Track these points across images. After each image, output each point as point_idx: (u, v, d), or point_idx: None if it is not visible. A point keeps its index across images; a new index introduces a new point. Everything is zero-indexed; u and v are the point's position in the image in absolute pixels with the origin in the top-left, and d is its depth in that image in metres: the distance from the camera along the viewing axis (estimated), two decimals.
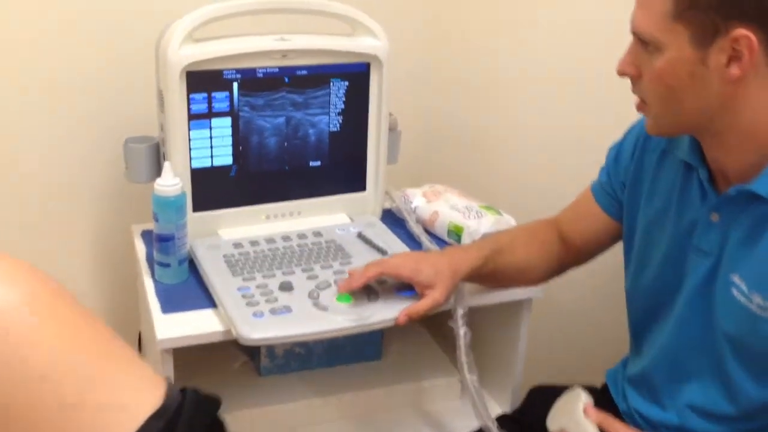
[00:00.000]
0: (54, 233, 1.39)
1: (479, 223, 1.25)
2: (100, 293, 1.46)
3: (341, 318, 1.02)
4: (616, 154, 1.10)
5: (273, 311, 1.02)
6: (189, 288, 1.12)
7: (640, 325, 1.07)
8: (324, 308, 1.03)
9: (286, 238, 1.21)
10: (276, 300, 1.04)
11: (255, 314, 1.00)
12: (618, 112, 1.09)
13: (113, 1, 1.30)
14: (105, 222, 1.41)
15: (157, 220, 1.10)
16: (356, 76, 1.22)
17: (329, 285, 1.09)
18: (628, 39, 0.89)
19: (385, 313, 1.04)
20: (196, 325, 1.03)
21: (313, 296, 1.06)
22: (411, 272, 1.03)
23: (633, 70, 0.89)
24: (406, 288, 1.07)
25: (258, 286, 1.07)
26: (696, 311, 0.95)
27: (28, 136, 1.32)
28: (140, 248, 1.24)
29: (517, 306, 1.21)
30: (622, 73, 0.90)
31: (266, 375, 1.28)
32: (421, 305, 1.02)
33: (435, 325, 1.39)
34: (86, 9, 1.28)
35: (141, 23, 1.27)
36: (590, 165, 1.15)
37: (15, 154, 1.32)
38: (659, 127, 0.92)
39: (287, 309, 1.02)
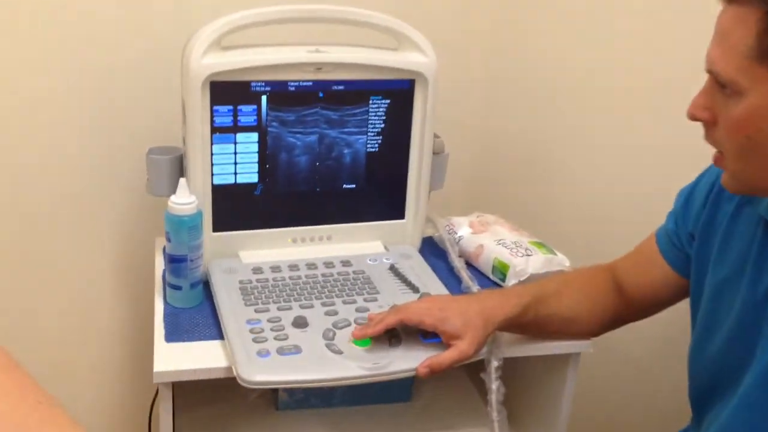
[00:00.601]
0: (77, 242, 1.36)
1: (527, 262, 1.15)
2: (121, 307, 1.42)
3: (355, 365, 0.93)
4: (686, 199, 0.96)
5: (281, 351, 0.93)
6: (200, 314, 1.05)
7: (702, 398, 0.94)
8: (338, 351, 0.95)
9: (311, 265, 1.13)
10: (286, 338, 0.96)
11: (260, 353, 0.92)
12: (699, 148, 0.94)
13: (145, 4, 1.25)
14: (130, 234, 1.37)
15: (169, 240, 1.03)
16: (399, 93, 1.14)
17: (348, 324, 1.00)
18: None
19: (405, 362, 0.94)
20: (198, 358, 0.96)
21: (328, 336, 0.97)
22: (436, 321, 0.93)
23: (707, 115, 0.76)
24: (431, 334, 0.97)
25: (270, 320, 0.99)
26: (766, 394, 0.80)
27: (51, 144, 1.29)
28: (159, 264, 1.18)
29: (562, 360, 1.09)
30: (693, 118, 0.78)
31: (284, 410, 1.19)
32: (446, 358, 0.92)
33: (473, 366, 1.27)
34: (116, 12, 1.24)
35: (172, 27, 1.22)
36: (662, 208, 1.03)
37: (36, 160, 1.29)
38: (737, 184, 0.79)
39: (297, 349, 0.94)
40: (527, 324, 0.98)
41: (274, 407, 1.20)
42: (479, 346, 0.93)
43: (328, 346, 0.95)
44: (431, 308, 0.94)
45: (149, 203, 1.18)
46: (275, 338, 0.95)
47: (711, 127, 0.77)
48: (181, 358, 0.95)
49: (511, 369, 1.00)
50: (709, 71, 0.75)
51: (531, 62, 1.44)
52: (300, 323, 0.98)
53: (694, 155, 0.96)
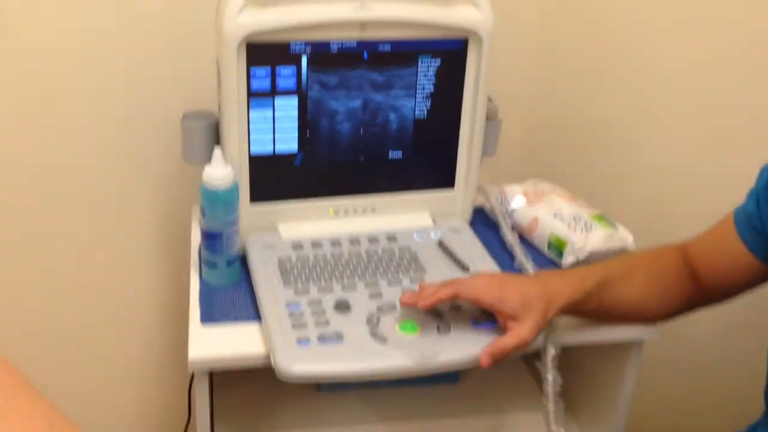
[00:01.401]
0: (112, 210, 1.33)
1: (586, 238, 1.08)
2: (158, 281, 1.40)
3: (401, 354, 0.87)
4: None
5: (321, 338, 0.88)
6: (238, 293, 1.00)
7: None
8: (382, 339, 0.89)
9: (354, 240, 1.07)
10: (327, 323, 0.90)
11: (300, 340, 0.87)
12: None
13: None
14: (166, 201, 1.33)
15: (204, 214, 0.98)
16: (450, 54, 1.06)
17: (393, 308, 0.94)
18: None
19: (456, 350, 0.88)
20: (236, 343, 0.91)
21: (372, 322, 0.91)
22: (493, 299, 0.87)
23: None
24: (483, 318, 0.91)
25: (310, 303, 0.94)
26: None
27: (82, 106, 1.25)
28: (195, 235, 1.13)
29: (624, 348, 1.02)
30: None
31: (325, 391, 1.14)
32: (505, 343, 0.86)
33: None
34: None
35: None
36: (742, 183, 0.93)
37: (68, 124, 1.25)
38: None
39: (338, 337, 0.88)
40: (591, 310, 0.92)
41: (315, 387, 1.15)
42: (538, 331, 0.87)
43: (371, 333, 0.89)
44: (490, 284, 0.88)
45: (187, 169, 1.13)
46: (316, 324, 0.90)
47: None
48: (217, 343, 0.90)
49: (567, 356, 0.94)
50: None
51: (593, 23, 1.34)
52: (342, 307, 0.93)
53: None
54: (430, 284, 0.92)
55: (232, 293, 0.99)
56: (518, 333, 0.86)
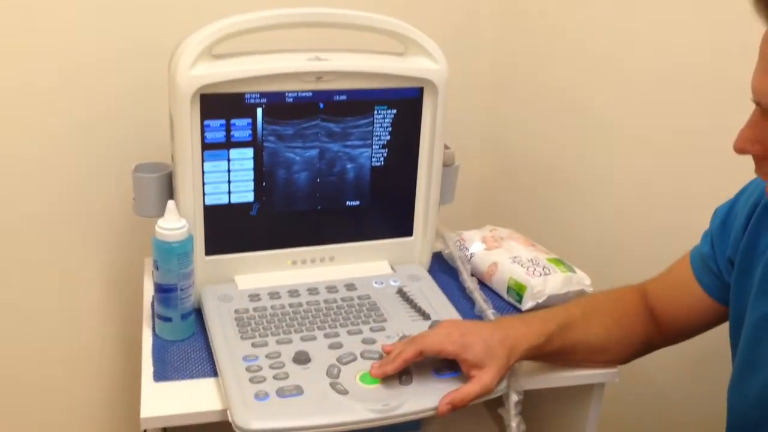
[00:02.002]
0: (61, 264, 1.30)
1: (545, 282, 1.09)
2: (108, 337, 1.37)
3: (363, 407, 0.85)
4: (723, 219, 0.88)
5: (281, 392, 0.86)
6: (193, 347, 0.98)
7: None
8: (343, 392, 0.87)
9: (312, 290, 1.07)
10: (286, 377, 0.88)
11: (258, 396, 0.85)
12: (740, 159, 0.86)
13: (130, 9, 1.18)
14: (116, 255, 1.31)
15: (157, 268, 0.96)
16: (406, 103, 1.07)
17: (353, 358, 0.93)
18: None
19: (419, 400, 0.87)
20: (191, 399, 0.88)
21: (333, 374, 0.90)
22: (457, 348, 0.87)
23: (758, 149, 0.70)
24: (446, 367, 0.91)
25: (268, 356, 0.92)
26: None
27: (33, 157, 1.23)
28: (148, 289, 1.11)
29: (585, 390, 1.02)
30: (741, 152, 0.71)
31: None
32: (468, 391, 0.86)
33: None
34: (99, 19, 1.17)
35: (159, 32, 1.14)
36: (696, 224, 0.96)
37: (17, 174, 1.23)
38: None
39: (298, 390, 0.86)
40: (552, 353, 0.92)
41: None
42: (502, 377, 0.88)
43: (332, 385, 0.88)
44: (451, 334, 0.88)
45: (139, 220, 1.11)
46: (274, 377, 0.88)
47: (763, 160, 0.70)
48: (171, 400, 0.88)
49: (529, 400, 0.94)
50: (758, 102, 0.68)
51: (543, 69, 1.37)
52: (301, 359, 0.91)
53: (724, 168, 0.89)
54: (392, 344, 0.92)
55: (187, 347, 0.97)
56: (482, 380, 0.86)
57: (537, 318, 0.93)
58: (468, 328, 0.90)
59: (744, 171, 0.80)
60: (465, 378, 0.88)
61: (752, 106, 0.70)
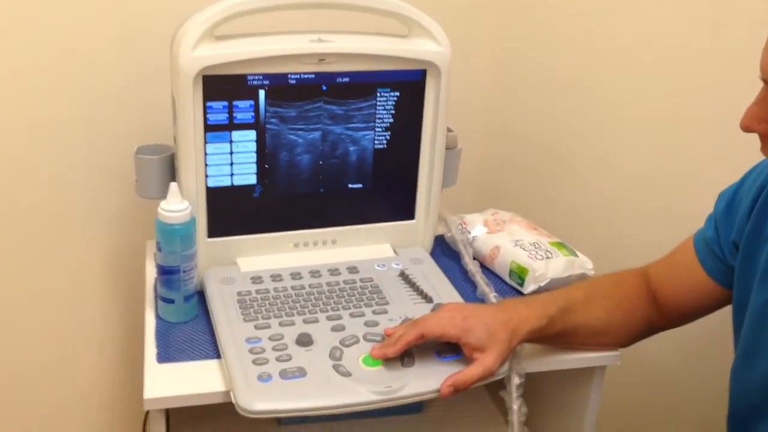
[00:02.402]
0: (64, 246, 1.30)
1: (547, 265, 1.09)
2: (111, 319, 1.37)
3: (365, 389, 0.86)
4: (728, 203, 0.88)
5: (283, 374, 0.86)
6: (195, 329, 0.98)
7: (744, 420, 0.87)
8: (346, 374, 0.88)
9: (314, 273, 1.07)
10: (289, 358, 0.89)
11: (261, 377, 0.86)
12: (745, 142, 0.86)
13: None
14: (119, 237, 1.31)
15: (159, 250, 0.96)
16: (409, 85, 1.07)
17: (356, 341, 0.93)
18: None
19: (422, 383, 0.88)
20: (194, 381, 0.89)
21: (335, 356, 0.90)
22: (459, 331, 0.87)
23: (763, 127, 0.70)
24: (448, 350, 0.91)
25: (271, 338, 0.92)
26: None
27: (35, 140, 1.23)
28: (150, 271, 1.10)
29: (587, 373, 1.02)
30: (748, 129, 0.71)
31: (287, 424, 1.12)
32: (470, 373, 0.87)
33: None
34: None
35: (162, 13, 1.14)
36: (699, 208, 0.96)
37: (18, 158, 1.23)
38: None
39: (301, 372, 0.87)
40: (553, 335, 0.93)
41: (276, 422, 1.13)
42: (504, 360, 0.88)
43: (335, 367, 0.88)
44: (453, 317, 0.88)
45: (140, 203, 1.12)
46: (277, 359, 0.89)
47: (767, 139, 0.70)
48: (174, 382, 0.88)
49: (530, 383, 0.94)
50: (765, 80, 0.68)
51: (547, 52, 1.37)
52: (304, 341, 0.92)
53: (729, 151, 0.89)
54: (394, 327, 0.93)
55: (190, 329, 0.98)
56: (484, 363, 0.86)
57: (539, 301, 0.94)
58: (470, 311, 0.90)
59: (749, 154, 0.80)
60: (467, 360, 0.88)
61: (759, 85, 0.70)
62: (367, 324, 0.96)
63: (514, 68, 1.43)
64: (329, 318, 0.97)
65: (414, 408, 1.17)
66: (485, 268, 1.16)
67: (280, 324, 0.95)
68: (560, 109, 1.36)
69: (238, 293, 1.00)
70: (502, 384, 0.93)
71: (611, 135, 1.28)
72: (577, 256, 1.11)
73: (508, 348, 0.88)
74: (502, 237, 1.16)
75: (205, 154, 1.00)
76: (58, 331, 1.34)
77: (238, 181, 1.03)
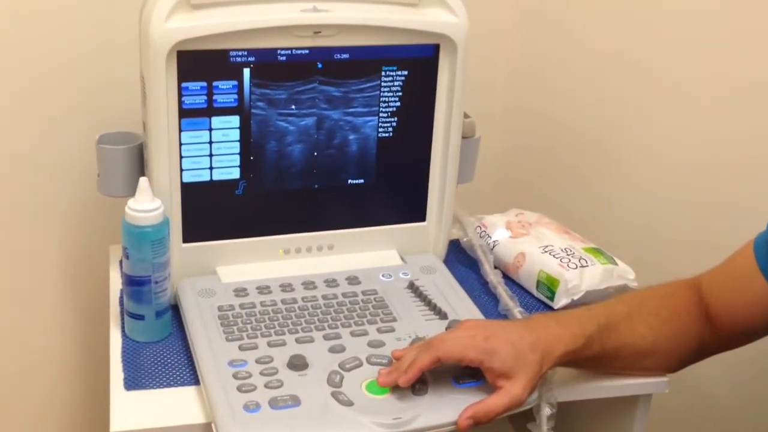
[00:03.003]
0: (13, 253, 1.31)
1: (581, 275, 1.11)
2: (70, 335, 1.38)
3: (369, 420, 0.86)
4: None
5: (274, 403, 0.87)
6: (169, 350, 1.00)
7: None
8: (347, 402, 0.88)
9: (308, 284, 1.08)
10: (280, 385, 0.90)
11: (248, 407, 0.86)
12: None
13: None
14: (77, 242, 1.32)
15: (127, 256, 0.97)
16: (419, 63, 1.08)
17: (358, 364, 0.94)
18: None
19: (436, 414, 0.88)
20: (169, 411, 0.90)
21: (334, 382, 0.91)
22: (481, 354, 0.88)
23: None
24: (466, 375, 0.92)
25: (259, 360, 0.93)
26: None
27: None
28: (115, 282, 1.12)
29: (629, 402, 1.04)
30: None
31: None
32: (494, 404, 0.87)
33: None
34: None
35: None
36: (761, 207, 0.99)
37: None
38: None
39: (294, 401, 0.88)
40: (591, 358, 0.93)
41: None
42: (533, 388, 0.89)
43: (334, 394, 0.89)
44: (474, 337, 0.88)
45: (103, 202, 1.13)
46: (266, 385, 0.89)
47: None
48: (145, 412, 0.89)
49: (563, 414, 0.95)
50: None
51: (580, 26, 1.38)
52: (297, 364, 0.92)
53: None
54: (404, 349, 0.93)
55: (163, 350, 0.99)
56: (510, 392, 0.87)
57: (573, 317, 0.94)
58: (493, 330, 0.90)
59: None
60: (489, 388, 0.89)
61: None
62: (370, 344, 0.97)
63: (542, 42, 1.44)
64: (326, 337, 0.98)
65: None
66: (509, 279, 1.17)
67: (269, 344, 0.96)
68: (597, 91, 1.37)
69: (219, 308, 1.01)
70: (530, 415, 0.94)
71: (657, 121, 1.29)
72: (616, 264, 1.12)
73: (538, 373, 0.88)
74: (527, 242, 1.17)
75: (180, 143, 1.01)
76: (4, 352, 1.34)
77: (219, 175, 1.04)
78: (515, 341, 0.88)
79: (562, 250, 1.13)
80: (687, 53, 1.22)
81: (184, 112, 1.00)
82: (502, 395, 0.87)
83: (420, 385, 0.90)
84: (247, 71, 1.00)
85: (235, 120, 1.02)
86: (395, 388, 0.90)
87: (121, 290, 1.07)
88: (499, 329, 0.91)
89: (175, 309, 1.04)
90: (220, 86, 1.00)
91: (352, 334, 0.99)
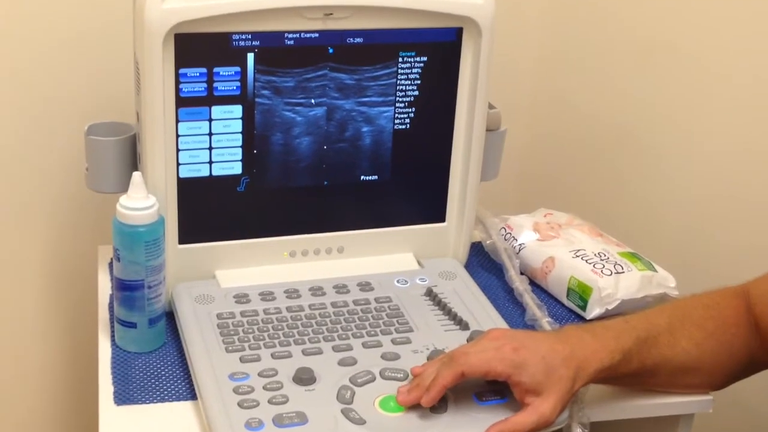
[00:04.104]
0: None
1: (617, 282, 1.11)
2: (54, 345, 1.39)
3: None
4: None
5: (278, 420, 0.87)
6: (164, 362, 1.00)
7: None
8: (359, 421, 0.89)
9: (316, 290, 1.09)
10: (285, 400, 0.90)
11: (250, 425, 0.87)
12: None
13: None
14: (63, 242, 1.33)
15: (118, 258, 0.98)
16: (440, 48, 1.09)
17: (371, 378, 0.95)
18: None
19: None
20: (163, 428, 0.91)
21: (344, 398, 0.91)
22: (509, 367, 0.88)
23: None
24: (490, 392, 0.93)
25: (262, 374, 0.94)
26: None
27: None
28: (104, 287, 1.13)
29: (669, 423, 1.04)
30: None
31: None
32: (521, 422, 0.87)
33: None
34: None
35: None
36: None
37: None
38: None
39: (301, 418, 0.88)
40: (628, 375, 0.94)
41: None
42: (564, 406, 0.89)
43: (344, 412, 0.89)
44: (501, 348, 0.88)
45: (92, 198, 1.13)
46: (270, 401, 0.90)
47: None
48: (137, 429, 0.90)
49: None
50: None
51: (616, 6, 1.38)
52: (304, 378, 0.93)
53: None
54: (424, 365, 0.93)
55: (156, 362, 0.99)
56: (539, 410, 0.87)
57: (610, 330, 0.94)
58: (522, 341, 0.90)
59: None
60: (515, 404, 0.89)
61: None
62: (384, 357, 0.97)
63: (574, 25, 1.45)
64: (336, 349, 0.98)
65: None
66: (536, 286, 1.18)
67: (273, 356, 0.96)
68: (635, 78, 1.37)
69: (218, 315, 1.02)
70: None
71: (703, 112, 1.29)
72: (655, 270, 1.13)
73: (571, 391, 0.88)
74: (557, 245, 1.18)
75: (177, 135, 1.02)
76: None
77: (219, 170, 1.05)
78: (546, 354, 0.88)
79: (595, 254, 1.14)
80: (740, 34, 1.21)
81: (182, 101, 1.00)
82: (529, 413, 0.87)
83: (439, 402, 0.90)
84: (251, 56, 1.01)
85: (237, 110, 1.03)
86: (413, 406, 0.90)
87: (111, 295, 1.08)
88: (529, 340, 0.91)
89: (170, 316, 1.04)
90: (221, 73, 1.01)
91: (364, 345, 0.99)
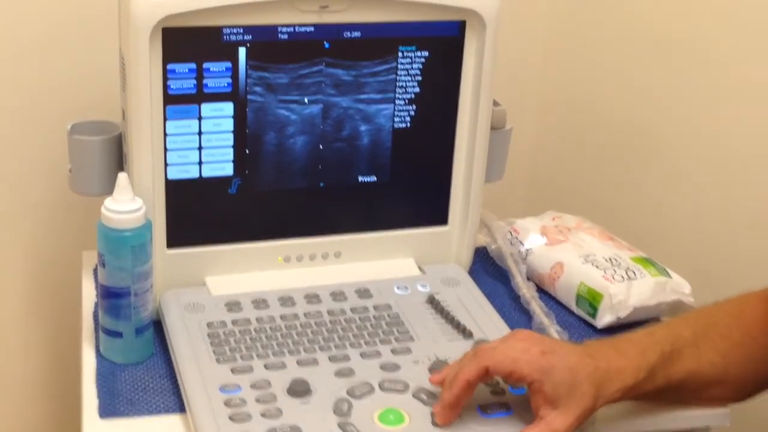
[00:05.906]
0: None
1: (629, 288, 1.12)
2: (35, 355, 1.39)
3: None
4: None
5: None
6: (151, 373, 1.01)
7: None
8: None
9: (312, 297, 1.09)
10: (279, 414, 0.90)
11: None
12: None
13: None
14: (46, 245, 1.33)
15: (103, 264, 0.98)
16: (442, 42, 1.09)
17: (370, 390, 0.95)
18: None
19: None
20: None
21: (341, 411, 0.92)
22: (535, 371, 0.87)
23: None
24: (495, 404, 0.93)
25: (254, 386, 0.94)
26: None
27: None
28: (88, 294, 1.13)
29: None
30: None
31: None
32: None
33: None
34: None
35: None
36: None
37: None
38: None
39: None
40: (653, 391, 0.93)
41: None
42: (579, 425, 0.88)
43: (341, 425, 0.90)
44: (529, 350, 0.88)
45: (75, 201, 1.14)
46: (263, 414, 0.90)
47: None
48: None
49: None
50: None
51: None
52: (299, 390, 0.93)
53: None
54: (444, 369, 0.93)
55: (143, 373, 1.00)
56: (551, 426, 0.86)
57: (634, 345, 0.94)
58: (549, 346, 0.90)
59: None
60: (522, 419, 0.90)
61: None
62: (383, 368, 0.98)
63: (583, 19, 1.45)
64: (332, 359, 0.99)
65: None
66: (544, 293, 1.18)
67: (266, 367, 0.96)
68: (648, 75, 1.38)
69: (209, 324, 1.02)
70: None
71: (719, 111, 1.29)
72: (669, 276, 1.13)
73: (591, 410, 0.88)
74: (566, 250, 1.18)
75: (165, 134, 1.02)
76: None
77: (209, 171, 1.05)
78: (575, 365, 0.88)
79: (606, 259, 1.14)
80: (760, 28, 1.22)
81: (170, 98, 1.01)
82: (539, 428, 0.87)
83: None
84: (242, 51, 1.01)
85: (228, 107, 1.03)
86: (412, 420, 0.90)
87: (96, 303, 1.07)
88: (556, 346, 0.91)
89: (158, 325, 1.04)
90: (211, 69, 1.01)
91: (362, 355, 0.99)
